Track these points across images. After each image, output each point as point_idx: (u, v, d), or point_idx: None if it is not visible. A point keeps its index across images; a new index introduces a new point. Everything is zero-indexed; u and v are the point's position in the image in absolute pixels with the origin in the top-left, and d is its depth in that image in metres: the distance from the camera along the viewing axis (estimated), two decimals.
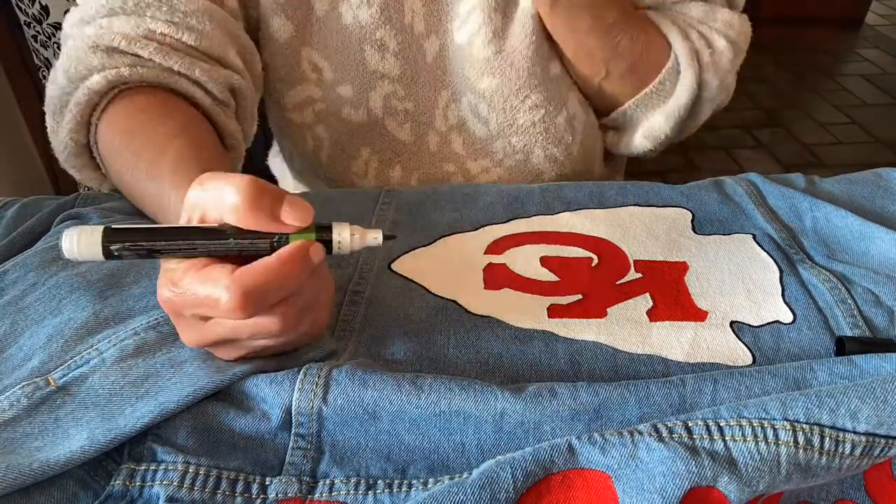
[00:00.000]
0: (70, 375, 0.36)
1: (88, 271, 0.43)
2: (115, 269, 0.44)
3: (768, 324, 0.46)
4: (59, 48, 0.66)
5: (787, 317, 0.46)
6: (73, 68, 0.52)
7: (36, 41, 1.10)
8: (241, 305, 0.33)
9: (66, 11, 0.57)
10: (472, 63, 0.66)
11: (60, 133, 0.55)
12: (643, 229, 0.55)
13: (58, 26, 1.08)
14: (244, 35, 0.61)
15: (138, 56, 0.54)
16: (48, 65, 1.11)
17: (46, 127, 0.58)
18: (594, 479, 0.30)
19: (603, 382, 0.37)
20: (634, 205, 0.58)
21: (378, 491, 0.33)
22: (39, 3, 1.06)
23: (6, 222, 0.52)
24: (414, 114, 0.68)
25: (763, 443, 0.30)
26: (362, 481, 0.34)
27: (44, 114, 0.57)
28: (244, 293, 0.33)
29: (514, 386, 0.37)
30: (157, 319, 0.39)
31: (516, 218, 0.56)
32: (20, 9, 1.07)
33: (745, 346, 0.44)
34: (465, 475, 0.33)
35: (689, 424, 0.31)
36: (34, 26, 1.09)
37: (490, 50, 0.64)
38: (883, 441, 0.30)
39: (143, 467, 0.33)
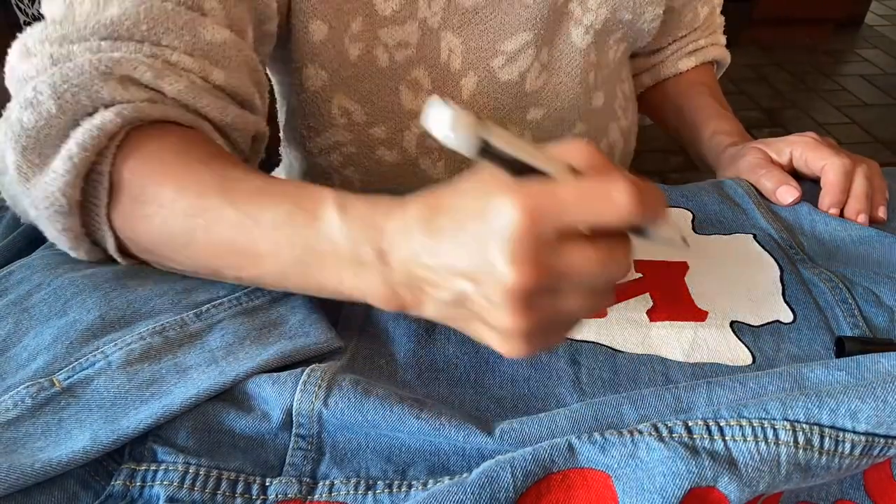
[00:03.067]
0: (75, 377, 0.36)
1: (94, 273, 0.43)
2: (120, 272, 0.44)
3: (768, 323, 0.46)
4: None
5: (787, 316, 0.46)
6: (71, 94, 0.39)
7: None
8: (640, 200, 0.29)
9: None
10: (520, 97, 0.66)
11: (44, 183, 0.40)
12: None
13: None
14: (262, 72, 0.52)
15: (160, 92, 0.42)
16: None
17: None
18: (594, 479, 0.30)
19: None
20: None
21: (378, 491, 0.33)
22: (39, 3, 1.06)
23: (6, 222, 0.51)
24: (450, 150, 0.67)
25: (763, 443, 0.30)
26: (362, 482, 0.34)
27: None
28: (640, 189, 0.29)
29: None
30: (162, 325, 0.39)
31: None
32: (20, 9, 1.07)
33: (745, 346, 0.44)
34: (465, 476, 0.33)
35: (689, 424, 0.31)
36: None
37: (539, 82, 0.66)
38: (882, 441, 0.30)
39: (143, 467, 0.33)
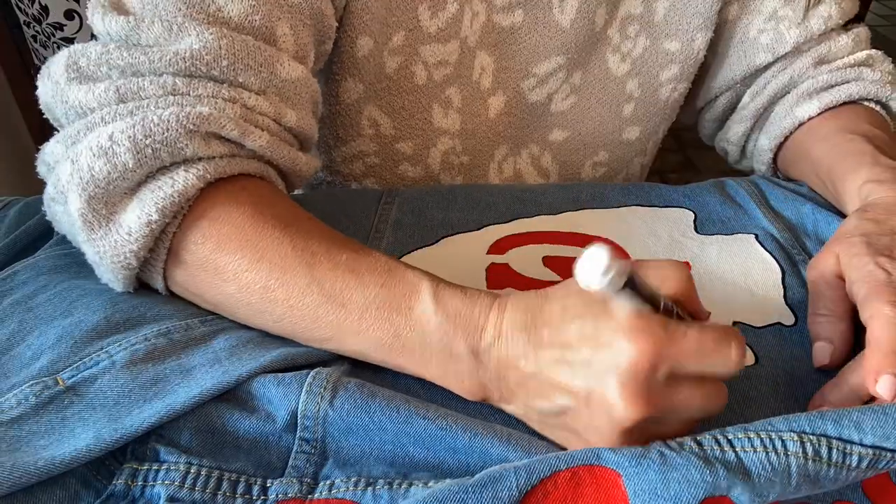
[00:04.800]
0: (79, 376, 0.36)
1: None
2: None
3: (770, 325, 0.46)
4: (58, 49, 0.47)
5: (788, 319, 0.46)
6: (152, 150, 0.37)
7: (36, 41, 1.10)
8: (743, 355, 0.32)
9: (67, 11, 0.46)
10: (545, 116, 0.66)
11: (114, 241, 0.38)
12: (645, 229, 0.55)
13: (58, 26, 1.08)
14: (320, 102, 0.52)
15: (240, 145, 0.42)
16: None
17: (46, 200, 0.41)
18: (604, 477, 0.30)
19: None
20: (636, 205, 0.58)
21: (378, 487, 0.33)
22: (39, 3, 1.06)
23: (8, 221, 0.51)
24: (468, 167, 0.67)
25: (773, 453, 0.30)
26: (362, 479, 0.34)
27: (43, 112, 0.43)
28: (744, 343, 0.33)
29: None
30: (167, 328, 0.39)
31: (518, 218, 0.56)
32: (20, 9, 1.07)
33: (748, 346, 0.44)
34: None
35: (699, 438, 0.31)
36: (34, 26, 1.09)
37: (566, 104, 0.65)
38: (889, 455, 0.30)
39: (145, 467, 0.33)
